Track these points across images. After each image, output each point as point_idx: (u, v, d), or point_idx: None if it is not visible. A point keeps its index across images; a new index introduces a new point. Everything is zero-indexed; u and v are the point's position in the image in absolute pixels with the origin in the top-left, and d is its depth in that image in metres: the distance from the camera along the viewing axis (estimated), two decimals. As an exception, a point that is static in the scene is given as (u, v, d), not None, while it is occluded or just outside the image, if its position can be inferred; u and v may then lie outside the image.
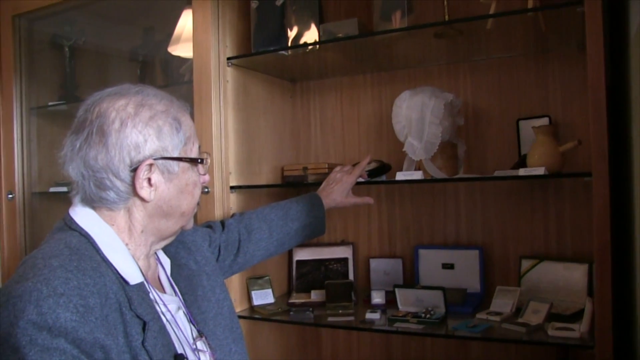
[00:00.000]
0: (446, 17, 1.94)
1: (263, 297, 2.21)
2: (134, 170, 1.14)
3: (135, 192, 1.16)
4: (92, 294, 1.02)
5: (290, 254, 2.43)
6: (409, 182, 1.97)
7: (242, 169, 2.19)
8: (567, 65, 2.06)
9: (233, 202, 2.13)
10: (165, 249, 1.37)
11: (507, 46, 2.12)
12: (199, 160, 1.26)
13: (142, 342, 1.08)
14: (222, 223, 1.75)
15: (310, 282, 2.36)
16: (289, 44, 2.11)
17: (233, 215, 1.89)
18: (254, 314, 2.13)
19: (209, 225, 1.71)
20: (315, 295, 2.25)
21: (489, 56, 2.20)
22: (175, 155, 1.19)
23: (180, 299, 1.31)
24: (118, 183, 1.14)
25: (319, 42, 2.04)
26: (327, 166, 2.28)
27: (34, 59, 2.67)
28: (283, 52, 2.11)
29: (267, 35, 2.14)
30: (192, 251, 1.46)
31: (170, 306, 1.23)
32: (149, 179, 1.16)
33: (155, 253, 1.33)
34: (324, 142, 2.54)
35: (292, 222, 1.84)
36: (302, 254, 2.42)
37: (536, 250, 2.12)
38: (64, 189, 2.48)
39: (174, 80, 2.58)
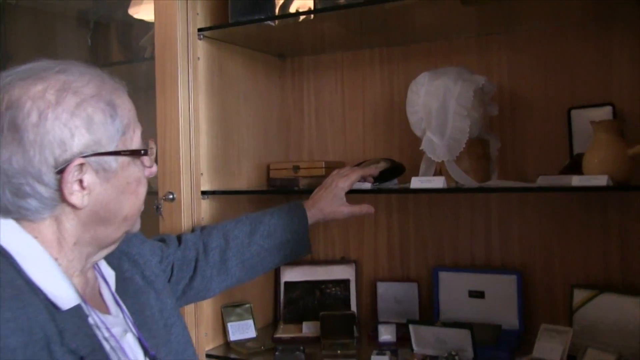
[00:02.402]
0: (480, -26, 1.61)
1: (242, 330, 1.95)
2: (61, 172, 1.01)
3: (63, 198, 1.03)
4: (12, 332, 0.90)
5: (276, 273, 2.15)
6: (425, 191, 1.70)
7: (216, 169, 1.92)
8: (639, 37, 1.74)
9: (205, 211, 1.86)
10: (107, 259, 1.24)
11: (557, 11, 1.78)
12: (142, 152, 1.13)
13: None
14: (179, 238, 1.61)
15: (301, 310, 2.09)
16: (277, 12, 1.81)
17: (194, 229, 1.71)
18: (230, 352, 1.87)
19: (162, 240, 1.58)
20: (308, 328, 1.98)
21: (532, 25, 1.90)
22: (112, 149, 1.07)
23: (128, 318, 1.20)
24: (41, 189, 1.01)
25: (314, 11, 1.74)
26: (323, 165, 2.02)
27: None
28: (269, 22, 1.81)
29: (249, 1, 1.83)
30: (138, 264, 1.35)
31: (114, 330, 1.11)
32: (81, 181, 1.03)
33: (96, 264, 1.21)
34: (321, 134, 2.24)
35: (262, 240, 1.63)
36: (291, 274, 2.14)
37: (593, 278, 1.82)
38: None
39: (136, 55, 2.29)
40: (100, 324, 1.07)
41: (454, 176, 1.71)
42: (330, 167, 1.98)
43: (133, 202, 1.13)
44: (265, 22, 1.81)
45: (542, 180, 1.60)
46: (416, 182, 1.65)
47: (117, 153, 1.07)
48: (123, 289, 1.25)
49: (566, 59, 1.85)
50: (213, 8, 1.89)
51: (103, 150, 1.05)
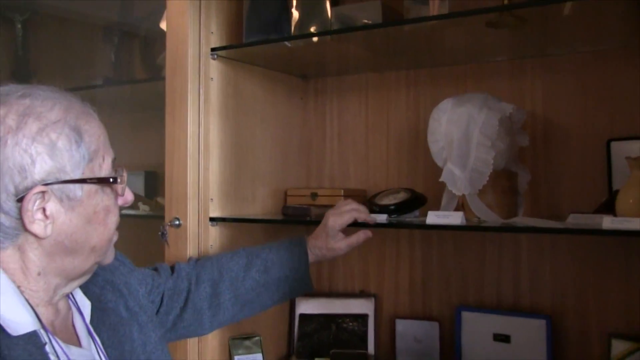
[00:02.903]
0: (505, 1, 1.51)
1: None
2: (21, 200, 0.98)
3: (25, 228, 1.00)
4: None
5: (292, 304, 2.07)
6: (442, 227, 1.59)
7: (228, 194, 1.85)
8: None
9: (214, 238, 1.80)
10: (87, 289, 1.21)
11: (598, 33, 1.68)
12: (112, 179, 1.08)
13: None
14: (173, 267, 1.56)
15: (315, 345, 2.00)
16: (292, 32, 1.75)
17: (189, 259, 1.65)
18: None
19: (155, 268, 1.54)
20: None
21: (570, 48, 1.78)
22: (77, 176, 1.03)
23: (101, 351, 1.16)
24: (1, 217, 0.99)
25: (329, 32, 1.68)
26: (342, 193, 1.94)
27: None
28: (284, 43, 1.75)
29: (264, 21, 1.78)
30: (123, 295, 1.30)
31: None
32: (44, 210, 1.00)
33: (70, 295, 1.17)
34: (343, 159, 2.16)
35: (258, 275, 1.57)
36: (307, 306, 2.06)
37: (634, 327, 1.68)
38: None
39: (157, 73, 2.25)
40: (61, 354, 1.03)
41: (476, 211, 1.61)
42: (350, 196, 1.91)
43: (101, 232, 1.09)
44: (281, 42, 1.75)
45: (573, 219, 1.50)
46: (432, 218, 1.56)
47: (83, 181, 1.04)
48: (101, 320, 1.21)
49: (607, 85, 1.73)
50: (229, 27, 1.85)
51: (67, 178, 1.02)
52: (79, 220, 1.05)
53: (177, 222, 1.71)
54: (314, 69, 2.14)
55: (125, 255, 1.38)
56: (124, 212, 2.08)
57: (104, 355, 1.16)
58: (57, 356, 1.02)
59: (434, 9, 1.59)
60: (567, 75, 1.78)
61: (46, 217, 1.01)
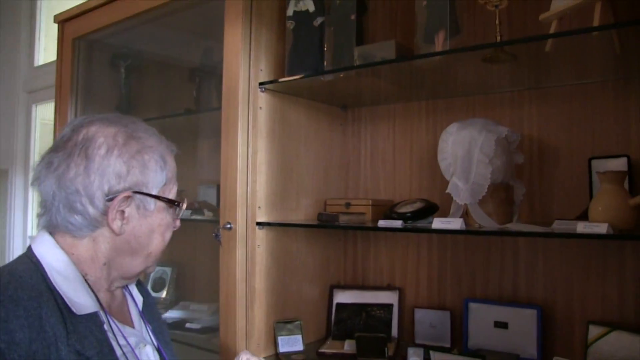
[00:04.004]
0: (498, 38, 1.66)
1: (291, 343, 2.02)
2: (111, 200, 1.12)
3: (106, 222, 1.13)
4: (21, 327, 0.97)
5: (330, 295, 2.23)
6: (444, 232, 1.71)
7: (274, 203, 2.03)
8: (654, 96, 1.71)
9: (261, 239, 1.97)
10: (141, 288, 1.38)
11: (581, 71, 1.81)
12: (177, 203, 1.24)
13: None
14: None
15: (349, 328, 2.14)
16: (325, 68, 1.92)
17: None
18: None
19: None
20: (349, 346, 2.03)
21: (559, 83, 1.89)
22: (155, 193, 1.18)
23: (152, 335, 1.29)
24: (90, 209, 1.11)
25: (351, 68, 1.84)
26: (370, 202, 2.09)
27: (93, 80, 2.67)
28: (320, 76, 1.92)
29: (303, 59, 1.96)
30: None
31: (131, 339, 1.18)
32: (123, 212, 1.14)
33: (127, 287, 1.31)
34: (374, 175, 2.32)
35: None
36: (343, 297, 2.22)
37: (608, 316, 1.78)
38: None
39: None
40: (117, 332, 1.15)
41: (476, 218, 1.74)
42: (377, 205, 2.07)
43: (159, 241, 1.21)
44: (319, 77, 1.90)
45: (557, 224, 1.59)
46: (437, 223, 1.67)
47: (158, 197, 1.18)
48: (149, 313, 1.35)
49: (589, 112, 1.83)
50: (276, 65, 2.02)
51: (148, 192, 1.16)
52: (146, 227, 1.18)
53: (228, 226, 1.88)
54: (351, 100, 2.29)
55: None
56: (194, 217, 2.34)
57: (155, 338, 1.28)
58: (114, 333, 1.14)
59: (439, 46, 1.70)
60: (557, 104, 1.89)
61: (123, 217, 1.14)
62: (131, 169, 1.14)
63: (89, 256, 1.15)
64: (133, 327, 1.26)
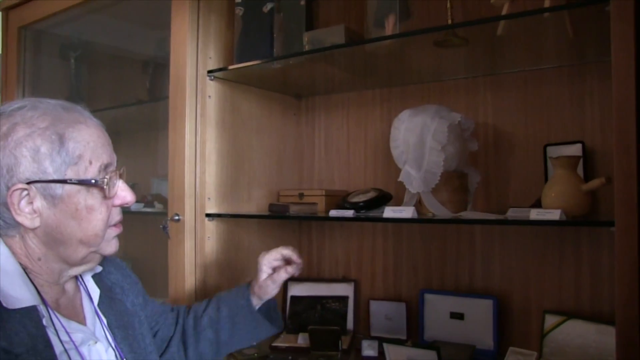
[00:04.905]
0: (449, 21, 1.53)
1: None
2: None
3: (14, 219, 1.02)
4: None
5: (285, 288, 2.08)
6: (396, 220, 1.59)
7: (225, 194, 1.88)
8: (609, 80, 1.57)
9: (211, 231, 1.83)
10: (100, 281, 1.23)
11: (536, 57, 1.69)
12: (94, 181, 1.05)
13: None
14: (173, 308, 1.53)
15: (303, 321, 2.00)
16: (274, 55, 1.77)
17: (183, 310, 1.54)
18: (230, 357, 1.80)
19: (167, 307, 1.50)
20: (303, 340, 1.90)
21: (514, 68, 1.78)
22: (59, 177, 1.02)
23: (106, 330, 1.17)
24: (1, 209, 1.01)
25: (299, 54, 1.70)
26: (324, 193, 1.95)
27: (41, 71, 2.48)
28: (270, 63, 1.76)
29: (253, 46, 1.82)
30: (127, 295, 1.30)
31: (75, 336, 1.06)
32: (31, 204, 1.02)
33: (82, 281, 1.19)
34: (328, 165, 2.18)
35: (212, 312, 1.48)
36: (297, 289, 2.08)
37: (564, 305, 1.68)
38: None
39: None
40: (59, 328, 1.03)
41: (429, 207, 1.62)
42: (330, 195, 1.94)
43: (85, 227, 1.06)
44: (268, 65, 1.76)
45: (511, 212, 1.50)
46: (389, 212, 1.56)
47: (63, 181, 1.02)
48: (108, 306, 1.21)
49: (544, 99, 1.73)
50: (227, 53, 1.88)
51: (49, 178, 1.01)
52: (62, 215, 1.03)
53: (176, 218, 1.75)
54: (305, 89, 2.16)
55: (138, 279, 1.37)
56: (144, 209, 2.18)
57: (109, 334, 1.16)
58: (55, 329, 1.02)
59: (389, 30, 1.59)
60: (512, 90, 1.78)
61: (34, 211, 1.01)
62: (21, 158, 0.99)
63: (23, 253, 1.05)
64: (84, 323, 1.13)
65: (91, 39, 2.61)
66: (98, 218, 1.07)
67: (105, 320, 1.18)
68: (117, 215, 1.13)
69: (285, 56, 1.73)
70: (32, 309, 1.00)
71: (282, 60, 1.75)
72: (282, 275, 1.47)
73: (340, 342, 1.78)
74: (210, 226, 1.81)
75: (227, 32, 1.89)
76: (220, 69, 1.81)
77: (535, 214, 1.37)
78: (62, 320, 1.06)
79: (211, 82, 1.82)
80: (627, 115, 1.13)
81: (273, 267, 1.49)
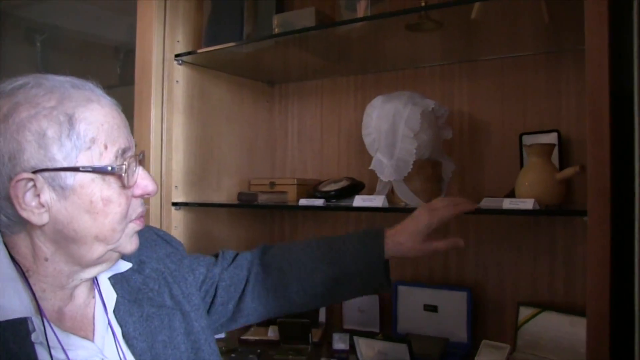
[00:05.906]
0: (422, 3, 1.49)
1: None
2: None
3: (18, 215, 0.85)
4: None
5: None
6: (365, 209, 1.55)
7: (193, 182, 1.84)
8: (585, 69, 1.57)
9: (179, 220, 1.78)
10: (130, 278, 1.05)
11: (512, 43, 1.67)
12: (110, 169, 0.88)
13: None
14: (235, 256, 1.31)
15: None
16: (244, 38, 1.73)
17: (259, 247, 1.34)
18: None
19: (216, 254, 1.30)
20: (272, 332, 1.87)
21: (490, 55, 1.75)
22: (69, 164, 0.85)
23: (118, 345, 0.98)
24: (3, 203, 0.85)
25: (268, 37, 1.66)
26: (295, 182, 1.91)
27: (5, 55, 2.41)
28: (238, 47, 1.72)
29: (222, 29, 1.77)
30: (168, 283, 1.11)
31: (75, 353, 0.89)
32: (38, 197, 0.85)
33: (97, 285, 1.00)
34: (301, 154, 2.14)
35: (329, 268, 1.24)
36: None
37: (539, 297, 1.66)
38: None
39: None
40: (55, 345, 0.88)
41: (401, 196, 1.60)
42: (302, 184, 1.90)
43: (101, 222, 0.90)
44: (237, 49, 1.72)
45: (485, 202, 1.46)
46: (358, 201, 1.55)
47: (74, 169, 0.86)
48: (128, 312, 1.03)
49: (520, 87, 1.71)
50: (195, 36, 1.83)
51: (58, 166, 0.86)
52: (75, 209, 0.88)
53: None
54: (278, 76, 2.11)
55: (180, 242, 1.23)
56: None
57: (121, 348, 0.99)
58: (49, 345, 0.87)
59: (360, 13, 1.56)
60: (488, 78, 1.76)
61: (41, 205, 0.86)
62: (25, 143, 0.83)
63: (29, 253, 0.90)
64: (92, 337, 0.96)
65: (59, 23, 2.53)
66: (116, 211, 0.91)
67: (119, 332, 1.00)
68: (138, 208, 0.96)
69: (254, 39, 1.70)
70: (20, 322, 0.84)
71: (252, 45, 1.71)
72: (450, 245, 1.29)
73: (310, 334, 1.75)
74: (177, 215, 1.77)
75: (197, 16, 1.84)
76: (188, 53, 1.76)
77: (508, 204, 1.36)
78: (60, 334, 0.90)
79: (179, 66, 1.78)
80: (600, 102, 1.11)
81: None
